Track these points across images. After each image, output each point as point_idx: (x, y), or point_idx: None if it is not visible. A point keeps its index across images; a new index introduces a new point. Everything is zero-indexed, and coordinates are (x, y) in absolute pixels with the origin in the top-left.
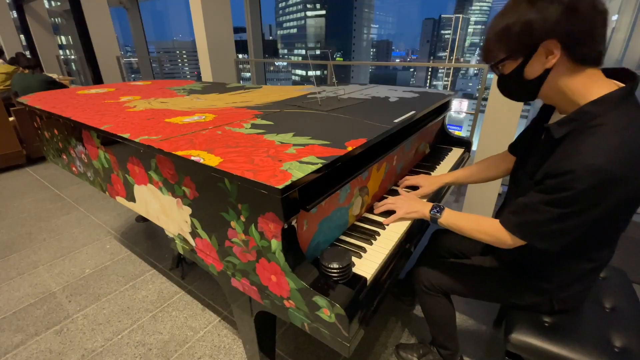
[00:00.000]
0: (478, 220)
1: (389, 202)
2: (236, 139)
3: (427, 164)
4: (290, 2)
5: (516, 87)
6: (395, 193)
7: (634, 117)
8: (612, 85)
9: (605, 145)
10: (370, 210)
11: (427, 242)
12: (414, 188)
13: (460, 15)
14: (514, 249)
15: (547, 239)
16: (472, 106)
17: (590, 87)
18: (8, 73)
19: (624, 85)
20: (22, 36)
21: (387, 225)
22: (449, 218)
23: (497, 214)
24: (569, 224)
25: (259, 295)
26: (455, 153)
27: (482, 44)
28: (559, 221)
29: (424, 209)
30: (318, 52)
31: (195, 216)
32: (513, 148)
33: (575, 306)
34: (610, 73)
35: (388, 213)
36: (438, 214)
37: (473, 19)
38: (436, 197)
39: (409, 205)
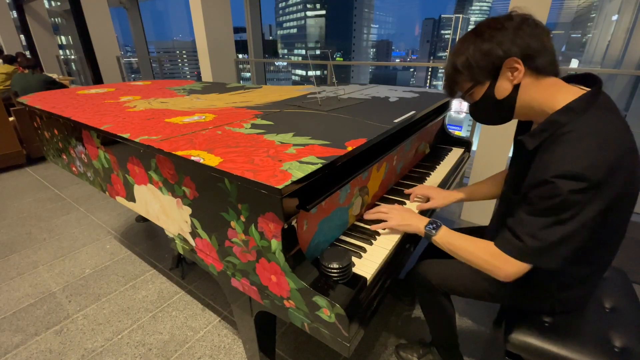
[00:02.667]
0: (475, 242)
1: (382, 210)
2: (236, 139)
3: (427, 163)
4: (290, 2)
5: (491, 109)
6: (395, 193)
7: (602, 120)
8: (577, 91)
9: (579, 152)
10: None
11: (427, 242)
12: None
13: (460, 16)
14: None
15: (546, 253)
16: None
17: (555, 95)
18: (8, 73)
19: (588, 90)
20: (22, 36)
21: (379, 232)
22: (445, 237)
23: (487, 232)
24: (567, 229)
25: (259, 295)
26: (455, 153)
27: (443, 83)
28: (554, 228)
29: (418, 223)
30: (318, 52)
31: (195, 216)
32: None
33: (576, 309)
34: (576, 79)
35: (378, 220)
36: (433, 231)
37: (473, 19)
38: None
39: (402, 217)
